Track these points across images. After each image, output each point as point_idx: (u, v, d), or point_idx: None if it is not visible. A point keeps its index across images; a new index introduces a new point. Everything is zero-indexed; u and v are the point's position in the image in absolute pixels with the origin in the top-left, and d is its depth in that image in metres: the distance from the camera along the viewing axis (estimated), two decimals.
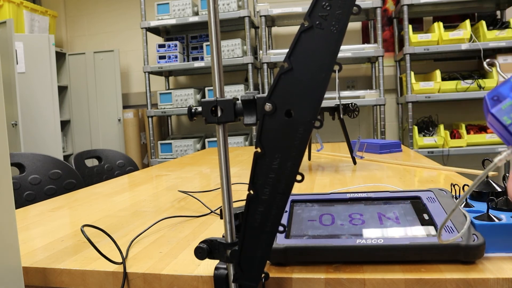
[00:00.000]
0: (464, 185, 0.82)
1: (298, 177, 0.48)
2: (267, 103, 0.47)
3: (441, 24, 3.15)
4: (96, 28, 4.30)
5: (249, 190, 0.48)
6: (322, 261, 0.57)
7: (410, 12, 3.22)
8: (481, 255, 0.54)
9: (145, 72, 3.52)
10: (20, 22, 3.72)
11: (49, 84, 3.65)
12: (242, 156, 2.01)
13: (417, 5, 3.17)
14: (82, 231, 0.63)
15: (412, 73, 3.18)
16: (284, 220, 0.65)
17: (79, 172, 1.65)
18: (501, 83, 0.42)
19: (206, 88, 3.55)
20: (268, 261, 0.60)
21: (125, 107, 4.09)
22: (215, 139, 3.48)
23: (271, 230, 0.49)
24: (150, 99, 3.56)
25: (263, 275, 0.51)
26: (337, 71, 0.47)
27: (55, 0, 4.32)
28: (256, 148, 0.47)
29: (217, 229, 0.80)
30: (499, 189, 0.71)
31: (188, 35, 3.74)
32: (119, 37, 4.23)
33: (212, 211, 0.91)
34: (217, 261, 0.56)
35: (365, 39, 3.81)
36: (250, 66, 3.30)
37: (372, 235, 0.58)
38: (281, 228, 0.49)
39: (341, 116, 1.44)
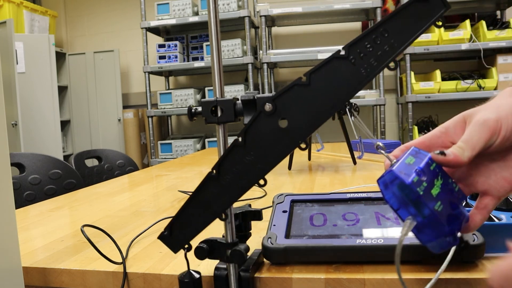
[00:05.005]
0: None
1: (261, 182, 0.49)
2: (268, 103, 0.47)
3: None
4: (96, 28, 4.30)
5: (213, 169, 0.49)
6: (322, 261, 0.57)
7: None
8: (481, 255, 0.54)
9: (145, 72, 3.52)
10: (20, 22, 3.72)
11: (49, 84, 3.65)
12: None
13: None
14: (82, 231, 0.63)
15: (412, 73, 3.18)
16: (284, 220, 0.65)
17: (79, 172, 1.65)
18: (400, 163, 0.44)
19: (206, 88, 3.54)
20: (268, 261, 0.60)
21: (125, 107, 4.09)
22: (215, 139, 3.48)
23: (213, 214, 0.50)
24: (150, 99, 3.56)
25: (186, 246, 0.52)
26: (347, 110, 0.48)
27: (55, 0, 4.32)
28: (238, 137, 0.48)
29: (217, 229, 0.80)
30: None
31: (188, 35, 3.74)
32: (119, 37, 4.23)
33: None
34: (217, 261, 0.56)
35: None
36: (250, 66, 3.30)
37: (372, 235, 0.58)
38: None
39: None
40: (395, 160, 0.45)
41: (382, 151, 0.47)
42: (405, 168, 0.42)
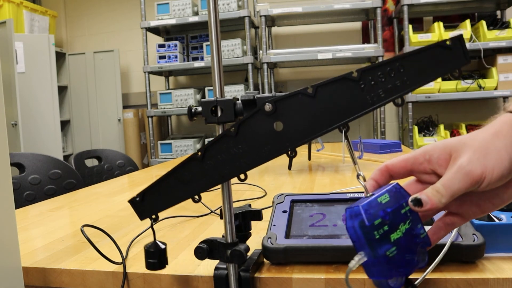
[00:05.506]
0: None
1: (242, 176, 0.50)
2: (269, 103, 0.47)
3: (441, 24, 3.14)
4: (96, 28, 4.30)
5: (199, 151, 0.49)
6: (322, 261, 0.57)
7: (410, 12, 3.21)
8: (481, 255, 0.54)
9: (145, 72, 3.52)
10: (20, 22, 3.72)
11: (49, 84, 3.65)
12: None
13: (417, 5, 3.17)
14: (82, 231, 0.63)
15: None
16: (284, 220, 0.65)
17: (79, 172, 1.65)
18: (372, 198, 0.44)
19: (206, 88, 3.54)
20: (268, 261, 0.60)
21: (125, 107, 4.09)
22: None
23: (187, 193, 0.51)
24: (150, 99, 3.56)
25: (153, 216, 0.53)
26: (343, 133, 0.47)
27: (55, 0, 4.32)
28: (232, 128, 0.48)
29: (217, 229, 0.80)
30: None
31: (188, 35, 3.73)
32: (119, 37, 4.23)
33: (212, 211, 0.91)
34: (217, 261, 0.56)
35: (365, 39, 3.81)
36: (250, 66, 3.30)
37: None
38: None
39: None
40: (370, 194, 0.45)
41: (361, 182, 0.47)
42: (374, 207, 0.43)
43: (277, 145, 0.48)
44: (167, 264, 0.56)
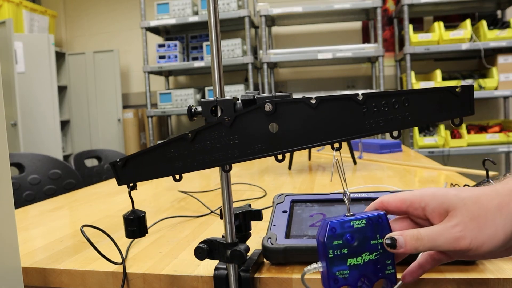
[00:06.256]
0: (465, 185, 0.82)
1: (227, 167, 0.51)
2: (269, 103, 0.47)
3: (441, 23, 3.14)
4: (96, 28, 4.29)
5: (190, 132, 0.50)
6: None
7: (410, 12, 3.21)
8: None
9: (145, 72, 3.51)
10: (20, 22, 3.72)
11: (48, 84, 3.65)
12: None
13: (417, 4, 3.17)
14: (82, 231, 0.63)
15: (413, 73, 3.18)
16: (284, 220, 0.65)
17: (78, 172, 1.65)
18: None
19: (206, 88, 3.54)
20: (268, 261, 0.60)
21: (125, 107, 4.09)
22: None
23: (169, 171, 0.51)
24: (150, 99, 3.56)
25: (131, 184, 0.54)
26: (334, 150, 0.48)
27: (55, 0, 4.32)
28: (228, 118, 0.49)
29: (217, 229, 0.80)
30: None
31: (188, 35, 3.73)
32: (119, 37, 4.23)
33: (212, 211, 0.91)
34: (217, 261, 0.56)
35: (365, 39, 3.81)
36: (250, 66, 3.29)
37: None
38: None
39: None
40: (350, 214, 0.45)
41: (346, 201, 0.47)
42: (342, 228, 0.44)
43: (268, 145, 0.48)
44: (147, 232, 0.57)
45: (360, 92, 0.46)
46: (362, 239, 0.44)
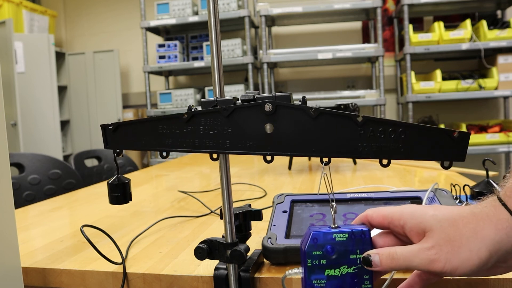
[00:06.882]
0: (465, 185, 0.82)
1: (214, 155, 0.52)
2: (270, 104, 0.47)
3: (441, 23, 3.14)
4: (96, 28, 4.29)
5: (185, 114, 0.50)
6: None
7: (410, 12, 3.21)
8: None
9: (145, 72, 3.51)
10: (20, 22, 3.72)
11: (48, 84, 3.65)
12: (242, 156, 2.01)
13: (417, 4, 3.17)
14: (82, 231, 0.63)
15: (413, 73, 3.18)
16: (284, 220, 0.65)
17: (78, 172, 1.65)
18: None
19: (206, 88, 3.54)
20: (268, 261, 0.60)
21: (125, 107, 4.09)
22: None
23: (159, 146, 0.52)
24: (150, 99, 3.56)
25: (118, 151, 0.54)
26: (323, 164, 0.48)
27: (55, 0, 4.32)
28: (226, 108, 0.49)
29: (217, 229, 0.80)
30: (499, 189, 0.70)
31: (188, 35, 3.73)
32: (119, 37, 4.23)
33: (212, 211, 0.91)
34: (217, 261, 0.56)
35: (365, 39, 3.81)
36: (250, 66, 3.29)
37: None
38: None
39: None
40: (335, 226, 0.46)
41: (332, 213, 0.48)
42: (324, 239, 0.44)
43: (260, 144, 0.48)
44: (131, 199, 0.57)
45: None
46: (342, 252, 0.44)
